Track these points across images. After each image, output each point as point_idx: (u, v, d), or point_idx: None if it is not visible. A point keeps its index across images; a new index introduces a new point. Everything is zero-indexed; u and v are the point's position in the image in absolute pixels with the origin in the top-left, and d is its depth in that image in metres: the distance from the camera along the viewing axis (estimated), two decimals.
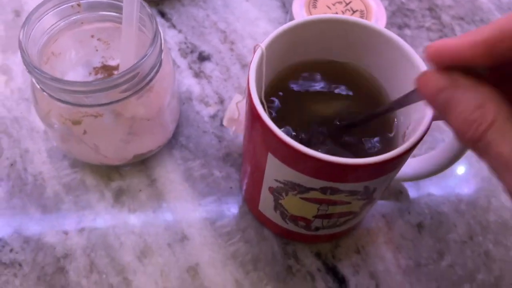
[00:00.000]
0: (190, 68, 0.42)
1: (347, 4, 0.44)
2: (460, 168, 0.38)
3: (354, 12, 0.44)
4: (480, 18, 0.48)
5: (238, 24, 0.45)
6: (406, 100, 0.24)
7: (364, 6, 0.44)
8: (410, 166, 0.34)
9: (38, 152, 0.36)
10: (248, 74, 0.26)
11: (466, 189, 0.37)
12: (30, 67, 0.28)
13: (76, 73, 0.38)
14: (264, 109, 0.25)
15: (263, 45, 0.27)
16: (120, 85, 0.29)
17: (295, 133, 0.28)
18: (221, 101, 0.40)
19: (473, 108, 0.18)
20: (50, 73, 0.34)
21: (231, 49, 0.43)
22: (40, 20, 0.31)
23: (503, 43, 0.17)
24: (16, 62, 0.41)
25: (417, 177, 0.34)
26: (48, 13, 0.31)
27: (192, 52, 0.43)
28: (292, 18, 0.44)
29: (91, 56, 0.38)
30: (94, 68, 0.39)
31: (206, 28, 0.45)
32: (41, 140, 0.37)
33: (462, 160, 0.37)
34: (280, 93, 0.30)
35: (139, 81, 0.30)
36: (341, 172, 0.24)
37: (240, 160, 0.37)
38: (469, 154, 0.37)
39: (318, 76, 0.31)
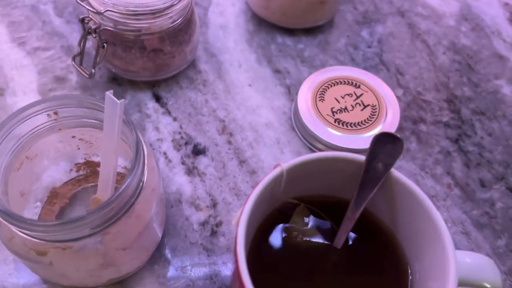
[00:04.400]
0: (183, 163, 0.38)
1: (357, 97, 0.41)
2: None
3: (365, 107, 0.40)
4: (503, 112, 0.44)
5: (239, 113, 0.41)
6: None
7: (376, 100, 0.41)
8: None
9: (5, 263, 0.33)
10: (241, 217, 0.22)
11: None
12: None
13: (57, 169, 0.35)
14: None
15: (285, 166, 0.23)
16: (93, 222, 0.25)
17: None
18: (214, 205, 0.36)
19: None
20: (24, 177, 0.31)
21: (229, 142, 0.40)
22: (11, 131, 0.28)
23: None
24: None
25: None
26: (21, 123, 0.28)
27: (186, 144, 0.39)
28: (297, 111, 0.40)
29: (73, 153, 0.34)
30: (76, 164, 0.36)
31: (204, 116, 0.41)
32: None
33: None
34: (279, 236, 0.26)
35: (116, 213, 0.26)
36: None
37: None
38: None
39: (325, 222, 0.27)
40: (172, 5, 0.36)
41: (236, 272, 0.22)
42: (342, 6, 0.50)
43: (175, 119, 0.41)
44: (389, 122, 0.39)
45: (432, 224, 0.23)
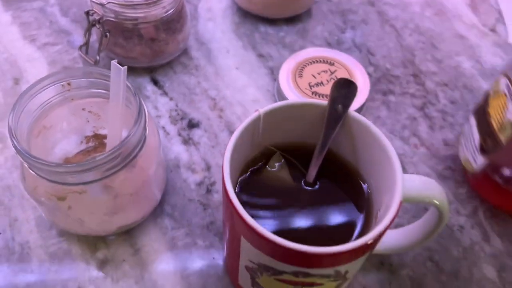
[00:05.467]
0: (179, 135, 0.43)
1: (332, 73, 0.46)
2: (442, 239, 0.38)
3: None
4: (463, 83, 0.49)
5: (228, 92, 0.47)
6: None
7: (348, 75, 0.46)
8: (392, 238, 0.35)
9: (27, 221, 0.37)
10: (226, 148, 0.27)
11: (447, 260, 0.37)
12: (18, 150, 0.29)
13: (68, 142, 0.40)
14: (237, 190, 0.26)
15: (262, 110, 0.29)
16: (103, 165, 0.30)
17: (271, 212, 0.29)
18: (208, 168, 0.41)
19: None
20: (42, 145, 0.36)
21: (220, 116, 0.45)
22: (31, 99, 0.33)
23: None
24: None
25: (399, 250, 0.34)
26: (39, 93, 0.33)
27: (182, 119, 0.44)
28: (279, 87, 0.45)
29: (83, 126, 0.39)
30: (86, 137, 0.40)
31: (197, 95, 0.46)
32: (30, 208, 0.38)
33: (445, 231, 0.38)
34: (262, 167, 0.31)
35: (122, 160, 0.31)
36: (309, 259, 0.25)
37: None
38: (451, 226, 0.38)
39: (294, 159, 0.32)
40: None
41: (224, 194, 0.26)
42: None
43: (171, 98, 0.46)
44: (359, 93, 0.44)
45: (384, 151, 0.28)
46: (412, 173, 0.42)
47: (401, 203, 0.26)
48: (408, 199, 0.28)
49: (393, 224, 0.37)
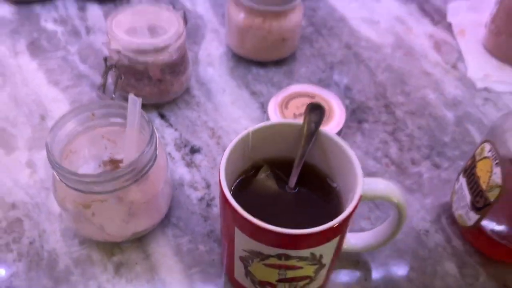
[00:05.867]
0: (183, 159, 0.50)
1: None
2: (410, 242, 0.45)
3: None
4: (429, 112, 0.57)
5: (225, 123, 0.54)
6: None
7: (328, 106, 0.54)
8: (365, 239, 0.41)
9: (54, 232, 0.44)
10: (223, 156, 0.34)
11: (415, 259, 0.43)
12: (54, 164, 0.36)
13: (88, 166, 0.47)
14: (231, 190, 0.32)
15: (251, 129, 0.36)
16: (123, 176, 0.37)
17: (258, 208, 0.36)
18: (208, 186, 0.48)
19: None
20: (68, 168, 0.43)
21: (218, 143, 0.52)
22: (63, 126, 0.40)
23: None
24: (39, 158, 0.50)
25: (371, 248, 0.41)
26: (69, 121, 0.41)
27: (185, 146, 0.52)
28: (268, 117, 0.53)
29: (101, 152, 0.47)
30: (103, 161, 0.47)
31: (198, 127, 0.54)
32: (56, 222, 0.44)
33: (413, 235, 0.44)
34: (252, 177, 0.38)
35: (138, 173, 0.38)
36: (288, 240, 0.31)
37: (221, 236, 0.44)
38: (418, 231, 0.44)
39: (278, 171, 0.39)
40: (170, 44, 0.50)
41: (221, 193, 0.33)
42: (301, 45, 0.65)
43: (176, 129, 0.53)
44: (337, 121, 0.52)
45: (348, 160, 0.35)
46: None
47: (361, 197, 0.33)
48: (373, 197, 0.35)
49: (365, 227, 0.44)
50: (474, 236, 0.44)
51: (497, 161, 0.38)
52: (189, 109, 0.56)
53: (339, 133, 0.52)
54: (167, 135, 0.53)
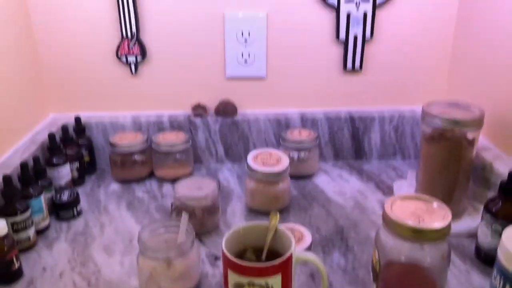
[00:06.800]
0: (209, 262, 0.83)
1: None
2: None
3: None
4: (370, 242, 0.88)
5: None
6: None
7: (301, 234, 0.87)
8: None
9: None
10: (223, 241, 0.68)
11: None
12: (141, 241, 0.71)
13: None
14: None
15: (241, 226, 0.70)
16: (176, 249, 0.71)
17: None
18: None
19: None
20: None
21: None
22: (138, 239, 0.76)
23: None
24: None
25: None
26: (144, 230, 0.77)
27: (212, 255, 0.85)
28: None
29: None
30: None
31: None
32: None
33: None
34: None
35: (183, 251, 0.72)
36: (250, 270, 0.62)
37: None
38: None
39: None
40: (207, 195, 0.89)
41: (222, 255, 0.66)
42: (291, 203, 1.01)
43: (207, 247, 0.87)
44: (306, 242, 0.84)
45: (288, 242, 0.67)
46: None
47: (291, 255, 0.64)
48: (303, 259, 0.66)
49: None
50: None
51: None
52: (219, 236, 0.91)
53: (309, 248, 0.84)
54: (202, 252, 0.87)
